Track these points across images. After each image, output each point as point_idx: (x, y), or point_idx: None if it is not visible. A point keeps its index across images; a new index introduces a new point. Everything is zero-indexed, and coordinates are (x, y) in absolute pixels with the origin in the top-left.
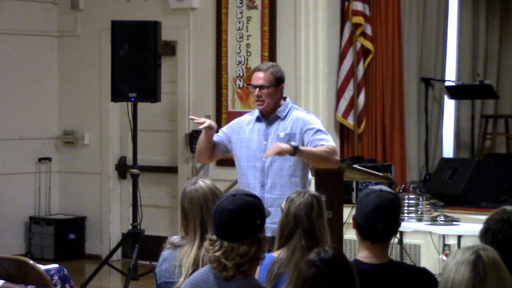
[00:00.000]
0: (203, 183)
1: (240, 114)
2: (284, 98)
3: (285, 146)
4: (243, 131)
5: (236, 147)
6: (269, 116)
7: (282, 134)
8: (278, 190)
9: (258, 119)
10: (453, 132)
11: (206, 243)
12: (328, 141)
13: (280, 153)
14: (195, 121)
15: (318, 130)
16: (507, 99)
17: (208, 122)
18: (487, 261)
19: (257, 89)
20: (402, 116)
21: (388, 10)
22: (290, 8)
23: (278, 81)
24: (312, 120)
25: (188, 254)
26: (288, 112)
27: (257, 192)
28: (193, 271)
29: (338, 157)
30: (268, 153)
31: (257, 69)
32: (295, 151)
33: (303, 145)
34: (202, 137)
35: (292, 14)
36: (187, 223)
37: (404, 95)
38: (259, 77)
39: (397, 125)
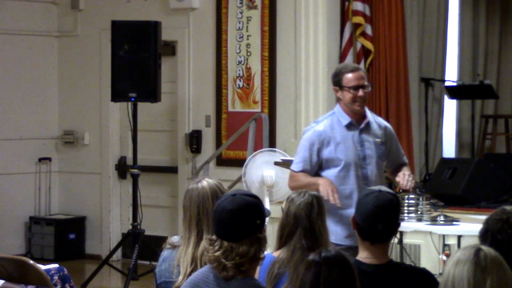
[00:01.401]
0: (206, 182)
1: (240, 114)
2: None
3: (410, 172)
4: (333, 140)
5: (329, 157)
6: (360, 121)
7: (378, 141)
8: None
9: (348, 126)
10: (453, 132)
11: (206, 243)
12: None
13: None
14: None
15: (398, 142)
16: (507, 99)
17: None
18: (489, 255)
19: (360, 89)
20: (409, 116)
21: (391, 10)
22: (290, 8)
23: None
24: (391, 128)
25: (185, 253)
26: (372, 116)
27: None
28: (191, 270)
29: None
30: (405, 183)
31: (355, 69)
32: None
33: (388, 151)
34: (313, 187)
35: (292, 14)
36: (184, 220)
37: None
38: (362, 76)
39: (404, 126)
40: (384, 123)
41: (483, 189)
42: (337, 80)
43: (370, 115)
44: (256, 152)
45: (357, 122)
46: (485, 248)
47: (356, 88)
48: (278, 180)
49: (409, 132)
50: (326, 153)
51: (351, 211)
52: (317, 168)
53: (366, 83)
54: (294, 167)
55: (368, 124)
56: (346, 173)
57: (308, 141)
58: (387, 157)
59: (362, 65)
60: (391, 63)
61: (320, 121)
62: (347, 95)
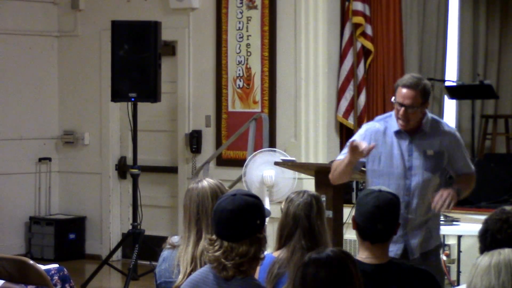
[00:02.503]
0: (206, 182)
1: (240, 114)
2: None
3: (453, 194)
4: (382, 144)
5: (375, 162)
6: (412, 130)
7: (430, 152)
8: (424, 211)
9: (398, 132)
10: None
11: (206, 243)
12: (471, 165)
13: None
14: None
15: (464, 150)
16: (507, 99)
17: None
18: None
19: (403, 108)
20: None
21: (389, 10)
22: (290, 8)
23: (425, 100)
24: (458, 136)
25: (185, 253)
26: (430, 125)
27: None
28: (191, 270)
29: (475, 181)
30: (439, 206)
31: (406, 86)
32: (458, 195)
33: (448, 161)
34: (346, 160)
35: (292, 14)
36: (184, 220)
37: None
38: (408, 96)
39: None
40: (447, 130)
41: (483, 189)
42: (395, 87)
43: (428, 124)
44: (256, 152)
45: (409, 131)
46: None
47: (401, 105)
48: (278, 180)
49: None
50: (372, 154)
51: None
52: (360, 164)
53: (411, 103)
54: (338, 157)
55: (421, 134)
56: (388, 181)
57: (363, 133)
58: (443, 168)
59: (362, 65)
60: (388, 63)
61: (379, 120)
62: (395, 108)
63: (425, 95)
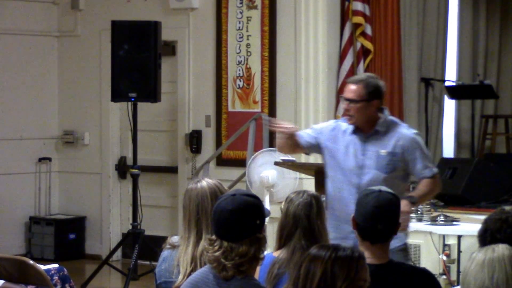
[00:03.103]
0: (205, 182)
1: (240, 114)
2: (382, 110)
3: (408, 208)
4: (339, 141)
5: (330, 157)
6: (367, 130)
7: (383, 152)
8: None
9: (355, 131)
10: (453, 132)
11: (206, 243)
12: (432, 169)
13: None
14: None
15: (422, 153)
16: (507, 99)
17: (288, 129)
18: (499, 256)
19: (346, 102)
20: (402, 116)
21: (387, 10)
22: (290, 8)
23: (370, 96)
24: (417, 139)
25: (185, 253)
26: (387, 127)
27: (352, 208)
28: (191, 270)
29: (440, 184)
30: (404, 227)
31: (350, 81)
32: (413, 204)
33: (405, 164)
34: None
35: (292, 14)
36: (184, 220)
37: (404, 95)
38: (349, 90)
39: None
40: (404, 132)
41: (483, 189)
42: None
43: (385, 125)
44: (258, 152)
45: (364, 130)
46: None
47: (344, 99)
48: (278, 180)
49: None
50: (330, 149)
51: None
52: (313, 147)
53: (351, 97)
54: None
55: (376, 134)
56: (342, 177)
57: (326, 125)
58: (399, 169)
59: (361, 65)
60: (386, 63)
61: (344, 120)
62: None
63: (370, 91)
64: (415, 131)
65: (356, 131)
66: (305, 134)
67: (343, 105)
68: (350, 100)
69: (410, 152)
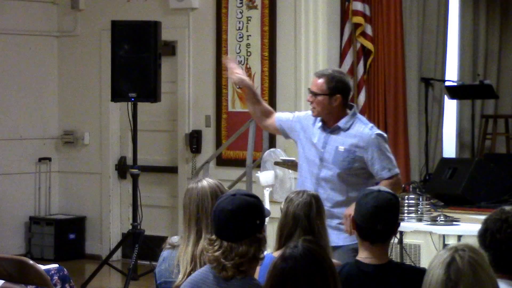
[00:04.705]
0: (206, 182)
1: (240, 114)
2: (351, 107)
3: (350, 211)
4: (311, 132)
5: (301, 145)
6: (330, 124)
7: (341, 148)
8: (332, 204)
9: (322, 126)
10: (453, 132)
11: (206, 243)
12: (391, 169)
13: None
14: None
15: (381, 154)
16: (507, 99)
17: (237, 77)
18: (461, 265)
19: (310, 94)
20: (406, 116)
21: (390, 10)
22: (290, 8)
23: (332, 91)
24: (379, 139)
25: (185, 252)
26: (351, 124)
27: None
28: (191, 270)
29: (401, 184)
30: (348, 229)
31: (315, 75)
32: None
33: (365, 164)
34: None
35: (292, 14)
36: (184, 219)
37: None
38: (313, 82)
39: (401, 126)
40: (366, 132)
41: (483, 189)
42: None
43: (349, 123)
44: (265, 154)
45: (328, 124)
46: (459, 254)
47: (308, 90)
48: (278, 180)
49: (406, 132)
50: (301, 138)
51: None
52: (283, 132)
53: (314, 89)
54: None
55: (338, 130)
56: (307, 166)
57: (303, 114)
58: (357, 167)
59: (361, 65)
60: (389, 63)
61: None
62: None
63: (332, 85)
64: (378, 131)
65: (323, 124)
66: (284, 117)
67: (307, 96)
68: (312, 93)
69: (369, 152)
